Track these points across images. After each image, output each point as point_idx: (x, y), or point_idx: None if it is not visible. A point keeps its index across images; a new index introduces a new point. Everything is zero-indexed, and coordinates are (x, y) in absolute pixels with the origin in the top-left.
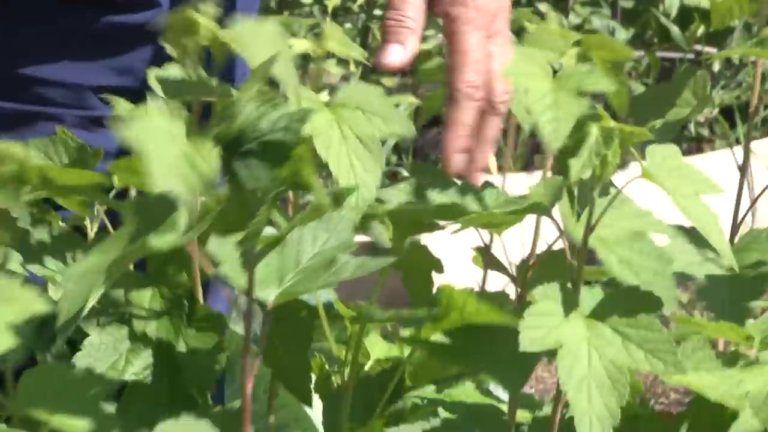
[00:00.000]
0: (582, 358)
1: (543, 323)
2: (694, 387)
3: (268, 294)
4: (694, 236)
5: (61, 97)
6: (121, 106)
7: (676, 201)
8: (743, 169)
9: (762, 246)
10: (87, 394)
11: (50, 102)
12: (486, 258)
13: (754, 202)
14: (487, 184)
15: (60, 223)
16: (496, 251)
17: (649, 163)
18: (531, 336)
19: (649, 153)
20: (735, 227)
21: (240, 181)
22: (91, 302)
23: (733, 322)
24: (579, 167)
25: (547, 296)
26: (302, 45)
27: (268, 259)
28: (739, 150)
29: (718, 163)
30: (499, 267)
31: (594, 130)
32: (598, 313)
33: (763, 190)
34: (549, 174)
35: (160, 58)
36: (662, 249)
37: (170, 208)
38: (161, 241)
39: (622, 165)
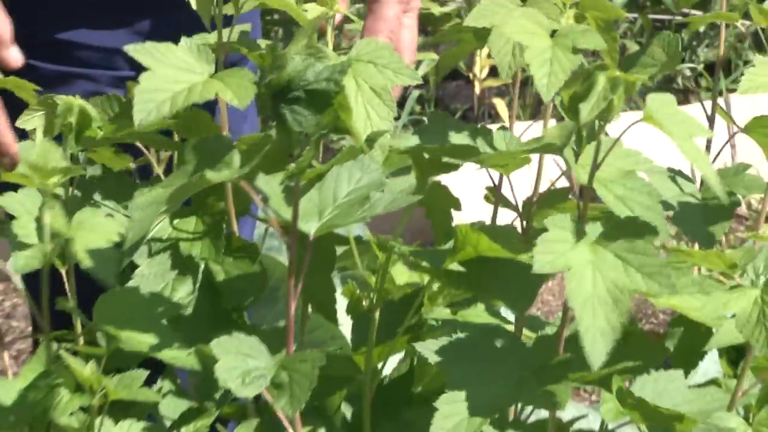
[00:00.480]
0: (587, 279)
1: (554, 249)
2: (677, 308)
3: (310, 227)
4: (671, 175)
5: (95, 59)
6: None
7: (675, 141)
8: (711, 118)
9: (730, 180)
10: (150, 313)
11: (86, 63)
12: (496, 196)
13: (725, 144)
14: (498, 130)
15: (131, 165)
16: (505, 190)
17: (650, 109)
18: (543, 260)
19: (649, 100)
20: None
21: (287, 124)
22: (154, 229)
23: (705, 244)
24: (589, 109)
25: (557, 226)
26: (316, 10)
27: (308, 195)
28: (720, 101)
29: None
30: (507, 204)
31: (602, 78)
32: (601, 242)
33: (733, 135)
34: (551, 121)
35: (183, 26)
36: (651, 185)
37: (225, 149)
38: (218, 175)
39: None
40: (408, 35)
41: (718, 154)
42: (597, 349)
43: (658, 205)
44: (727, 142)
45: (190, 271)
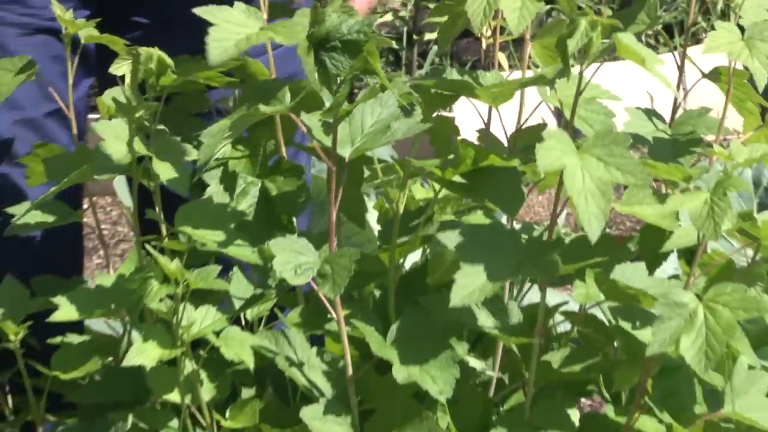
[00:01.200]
0: (578, 177)
1: (551, 153)
2: (640, 215)
3: (345, 151)
4: (648, 115)
5: None
6: None
7: (647, 67)
8: (681, 66)
9: (693, 120)
10: (220, 220)
11: None
12: (486, 132)
13: (693, 85)
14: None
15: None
16: (497, 126)
17: (621, 42)
18: (543, 162)
19: (621, 36)
20: (675, 109)
21: (326, 68)
22: (219, 151)
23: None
24: (574, 44)
25: (552, 137)
26: None
27: (341, 127)
28: (677, 54)
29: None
30: (496, 139)
31: (583, 21)
32: (586, 150)
33: (698, 81)
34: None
35: None
36: (607, 108)
37: (276, 89)
38: (271, 109)
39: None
40: None
41: (685, 97)
42: (592, 227)
43: (613, 123)
44: (693, 85)
45: (251, 185)
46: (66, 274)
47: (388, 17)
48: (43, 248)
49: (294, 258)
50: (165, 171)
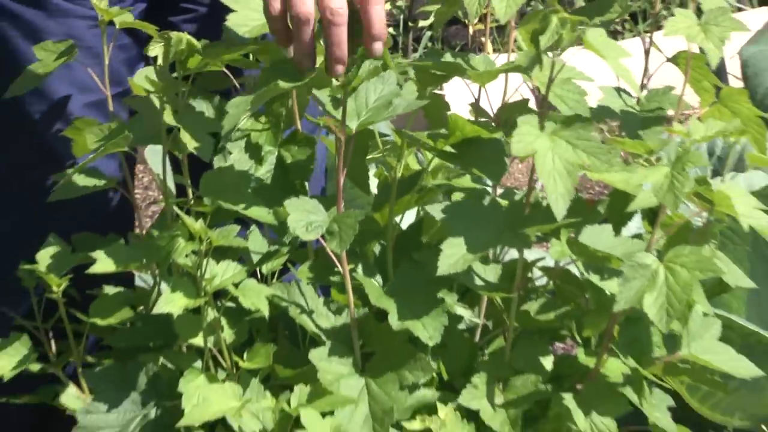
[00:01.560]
0: (548, 160)
1: (524, 139)
2: (608, 181)
3: (353, 124)
4: (619, 93)
5: None
6: None
7: (608, 62)
8: (647, 50)
9: (659, 98)
10: (241, 185)
11: None
12: (476, 106)
13: (657, 68)
14: (475, 56)
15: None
16: (484, 101)
17: (588, 39)
18: (517, 146)
19: (588, 33)
20: (641, 88)
21: None
22: (242, 121)
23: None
24: (546, 40)
25: (525, 123)
26: None
27: (348, 103)
28: (645, 38)
29: (629, 47)
30: (485, 113)
31: (555, 18)
32: (556, 133)
33: (661, 64)
34: (512, 46)
35: None
36: (581, 88)
37: (291, 69)
38: (288, 84)
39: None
40: None
41: (650, 78)
42: (559, 206)
43: (585, 101)
44: (657, 68)
45: (269, 153)
46: (120, 229)
47: (387, 6)
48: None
49: (306, 217)
50: (191, 140)
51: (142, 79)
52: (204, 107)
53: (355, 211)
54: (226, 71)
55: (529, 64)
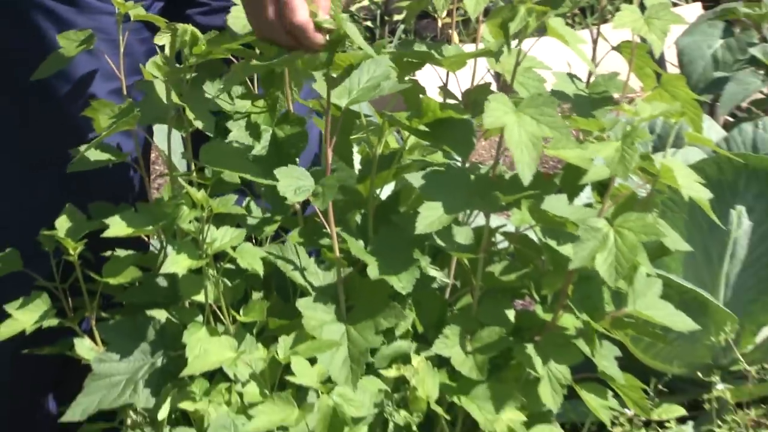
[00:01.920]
0: (515, 132)
1: (494, 114)
2: (563, 156)
3: (342, 101)
4: (571, 78)
5: None
6: None
7: (570, 46)
8: (596, 40)
9: (605, 83)
10: (240, 157)
11: None
12: (445, 90)
13: (604, 56)
14: (446, 45)
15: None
16: (453, 86)
17: (552, 26)
18: (488, 120)
19: (551, 21)
20: (590, 75)
21: None
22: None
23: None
24: (514, 26)
25: (495, 100)
26: None
27: (342, 83)
28: (593, 30)
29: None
30: (453, 96)
31: (522, 8)
32: (522, 110)
33: (607, 52)
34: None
35: None
36: (540, 76)
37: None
38: (262, 64)
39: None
40: None
41: (597, 65)
42: (525, 173)
43: (543, 87)
44: (604, 56)
45: (265, 131)
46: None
47: (365, 2)
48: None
49: (294, 182)
50: (195, 118)
51: (151, 65)
52: (211, 89)
53: (337, 174)
54: (233, 59)
55: (498, 50)
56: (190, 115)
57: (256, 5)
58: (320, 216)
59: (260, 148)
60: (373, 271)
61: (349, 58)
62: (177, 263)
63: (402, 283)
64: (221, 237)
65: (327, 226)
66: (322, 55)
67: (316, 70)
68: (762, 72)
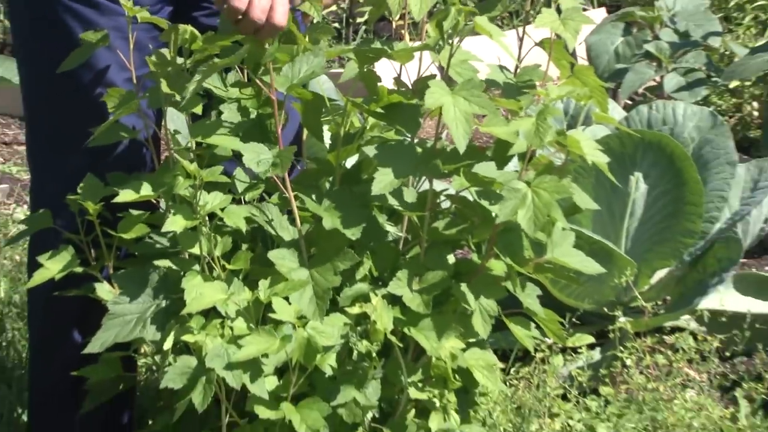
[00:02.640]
0: (451, 110)
1: (434, 96)
2: (494, 132)
3: (283, 87)
4: (501, 69)
5: None
6: None
7: (494, 39)
8: (522, 38)
9: (530, 73)
10: (223, 130)
11: None
12: (398, 80)
13: (528, 50)
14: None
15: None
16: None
17: (478, 22)
18: (429, 100)
19: (478, 19)
20: (516, 66)
21: None
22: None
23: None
24: (447, 24)
25: (435, 84)
26: None
27: (284, 71)
28: (519, 30)
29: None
30: (404, 85)
31: (453, 9)
32: (457, 92)
33: (531, 47)
34: (425, 36)
35: None
36: (474, 66)
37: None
38: (225, 62)
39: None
40: None
41: (522, 59)
42: (461, 142)
43: (476, 76)
44: (528, 51)
45: (248, 113)
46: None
47: (333, 7)
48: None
49: (257, 155)
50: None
51: (150, 60)
52: (217, 81)
53: (288, 148)
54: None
55: (435, 45)
56: (181, 97)
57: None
58: (282, 186)
59: (250, 125)
60: (327, 222)
61: (286, 53)
62: (175, 223)
63: (351, 230)
64: (212, 200)
65: (285, 191)
66: (270, 49)
67: (263, 62)
68: (654, 64)
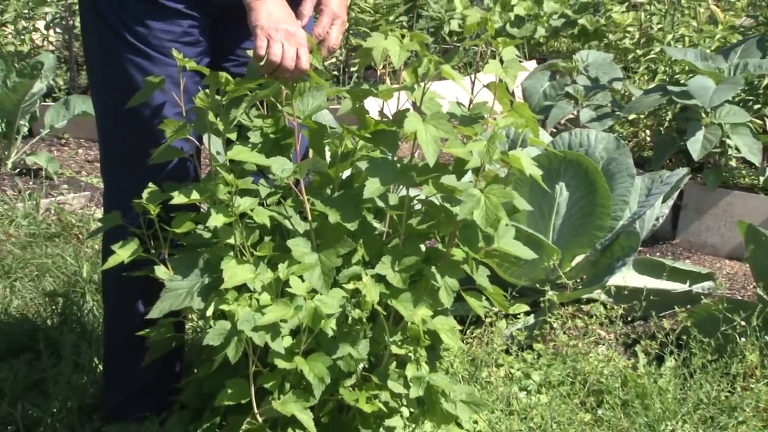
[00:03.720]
0: (423, 134)
1: (410, 124)
2: (454, 153)
3: (301, 115)
4: (460, 105)
5: None
6: None
7: (456, 81)
8: (474, 81)
9: (480, 108)
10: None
11: None
12: (380, 113)
13: (478, 91)
14: (381, 85)
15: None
16: (386, 110)
17: (445, 70)
18: (408, 127)
19: (443, 68)
20: (470, 102)
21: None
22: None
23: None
24: (421, 71)
25: (412, 115)
26: None
27: (296, 104)
28: (471, 76)
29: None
30: (386, 116)
31: (425, 59)
32: (428, 121)
33: (480, 89)
34: (402, 80)
35: None
36: (439, 103)
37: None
38: (264, 93)
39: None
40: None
41: (474, 97)
42: (431, 160)
43: (441, 110)
44: (479, 91)
45: (270, 138)
46: (191, 181)
47: (333, 59)
48: (177, 169)
49: (281, 166)
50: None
51: (198, 98)
52: (236, 112)
53: (308, 160)
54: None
55: (411, 86)
56: (220, 126)
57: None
58: (298, 192)
59: (270, 147)
60: (332, 218)
61: (299, 90)
62: (216, 219)
63: (350, 224)
64: (243, 203)
65: (300, 195)
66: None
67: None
68: (573, 102)
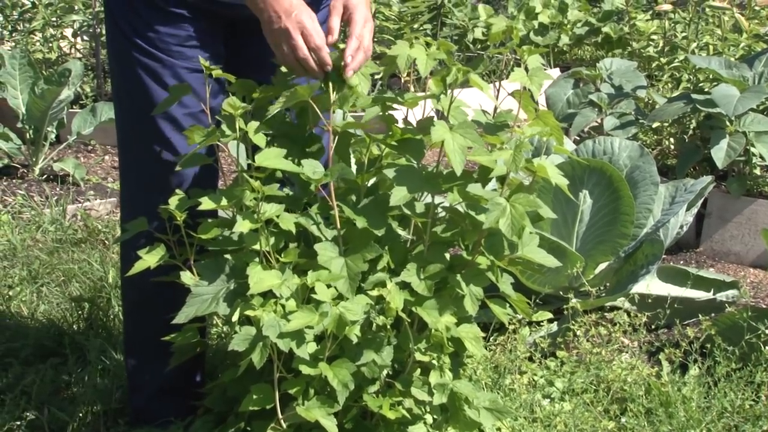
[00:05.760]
0: (451, 143)
1: (438, 132)
2: (479, 160)
3: (339, 125)
4: (484, 113)
5: None
6: None
7: (483, 91)
8: (498, 89)
9: (505, 115)
10: (284, 156)
11: None
12: (406, 121)
13: (503, 99)
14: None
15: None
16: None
17: (473, 79)
18: (435, 136)
19: (471, 76)
20: (495, 110)
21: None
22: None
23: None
24: (450, 79)
25: (439, 124)
26: None
27: (337, 114)
28: (497, 83)
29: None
30: (411, 124)
31: (454, 68)
32: (455, 130)
33: (505, 97)
34: (429, 85)
35: None
36: (465, 111)
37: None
38: (286, 105)
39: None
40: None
41: (500, 104)
42: (458, 168)
43: (466, 118)
44: (503, 99)
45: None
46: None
47: None
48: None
49: (313, 169)
50: (255, 138)
51: (225, 104)
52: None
53: (339, 164)
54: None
55: (439, 94)
56: (252, 136)
57: (279, 37)
58: (328, 197)
59: (296, 154)
60: (360, 223)
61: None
62: (242, 225)
63: (378, 230)
64: (269, 209)
65: (330, 200)
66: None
67: (325, 108)
68: (597, 109)
